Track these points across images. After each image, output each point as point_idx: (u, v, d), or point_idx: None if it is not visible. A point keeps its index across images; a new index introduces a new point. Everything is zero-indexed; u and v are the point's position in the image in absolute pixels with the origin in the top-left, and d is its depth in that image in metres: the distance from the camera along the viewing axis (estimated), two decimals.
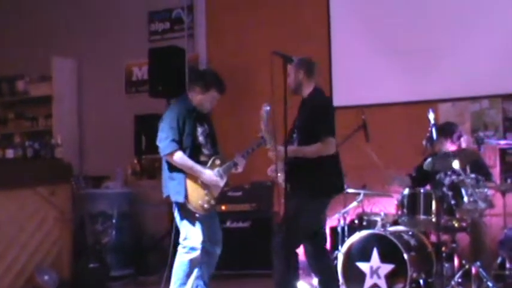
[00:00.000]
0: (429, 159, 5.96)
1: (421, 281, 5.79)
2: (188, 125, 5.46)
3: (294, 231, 5.05)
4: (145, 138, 8.45)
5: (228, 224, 7.37)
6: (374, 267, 5.88)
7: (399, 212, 6.07)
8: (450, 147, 6.27)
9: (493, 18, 7.28)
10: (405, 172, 6.62)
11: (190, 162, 5.40)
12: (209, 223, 5.55)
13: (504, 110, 7.32)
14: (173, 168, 5.43)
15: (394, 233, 5.94)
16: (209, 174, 5.45)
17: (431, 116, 5.75)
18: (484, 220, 6.11)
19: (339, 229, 6.50)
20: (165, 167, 5.53)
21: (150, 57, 8.50)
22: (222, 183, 5.54)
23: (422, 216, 5.90)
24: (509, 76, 7.16)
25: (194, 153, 5.45)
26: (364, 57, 7.86)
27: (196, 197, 5.39)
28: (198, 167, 5.42)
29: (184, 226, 5.45)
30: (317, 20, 8.20)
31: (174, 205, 5.51)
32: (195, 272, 5.48)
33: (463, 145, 6.41)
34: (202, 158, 5.51)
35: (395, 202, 6.19)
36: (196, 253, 5.40)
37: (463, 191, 5.65)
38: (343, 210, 6.53)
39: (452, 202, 5.72)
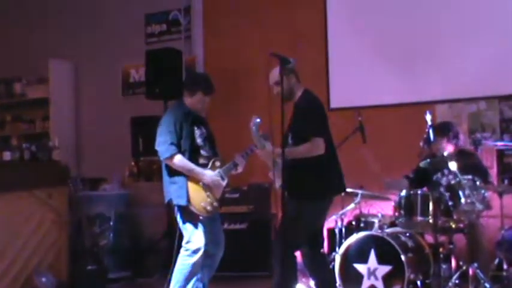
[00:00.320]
0: (426, 161, 5.97)
1: (419, 282, 5.79)
2: (186, 128, 5.46)
3: (293, 234, 5.05)
4: (142, 140, 8.44)
5: (226, 225, 7.34)
6: (371, 268, 5.88)
7: (396, 214, 6.06)
8: (447, 146, 6.26)
9: (490, 19, 7.30)
10: (402, 174, 6.62)
11: (190, 165, 5.39)
12: (212, 225, 5.54)
13: (501, 111, 7.32)
14: (173, 172, 5.42)
15: (391, 235, 5.94)
16: (210, 175, 5.44)
17: (428, 117, 5.75)
18: (481, 221, 6.12)
19: (337, 231, 6.49)
20: (165, 171, 5.51)
21: (147, 59, 8.49)
22: (223, 184, 5.54)
23: (419, 218, 5.90)
24: (506, 77, 7.18)
25: (193, 156, 5.44)
26: (361, 59, 7.87)
27: (199, 199, 5.38)
28: (198, 169, 5.42)
29: (187, 229, 5.43)
30: (314, 23, 8.22)
31: (176, 209, 5.49)
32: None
33: (461, 143, 6.40)
34: (202, 160, 5.50)
35: (393, 203, 6.19)
36: (199, 256, 5.38)
37: (460, 193, 5.65)
38: (340, 212, 6.53)
39: (450, 203, 5.71)
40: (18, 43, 9.98)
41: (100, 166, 8.95)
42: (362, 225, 6.46)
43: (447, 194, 5.75)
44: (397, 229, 6.18)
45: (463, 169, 5.74)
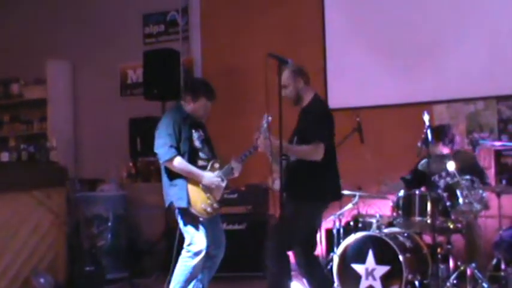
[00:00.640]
0: (424, 161, 5.98)
1: (417, 283, 5.79)
2: (184, 131, 5.45)
3: (288, 234, 5.06)
4: (140, 141, 8.43)
5: (224, 226, 7.32)
6: (369, 269, 5.88)
7: (394, 214, 6.07)
8: (443, 149, 6.29)
9: (487, 19, 7.31)
10: (400, 174, 6.63)
11: (190, 167, 5.39)
12: (212, 227, 5.54)
13: (499, 111, 7.33)
14: (173, 174, 5.41)
15: (389, 235, 5.95)
16: (210, 177, 5.44)
17: (426, 117, 5.75)
18: (479, 222, 6.13)
19: (335, 231, 6.50)
20: (164, 173, 5.50)
21: (144, 60, 8.49)
22: (223, 185, 5.53)
23: (417, 218, 5.90)
24: (504, 77, 7.19)
25: (192, 158, 5.44)
26: (359, 59, 7.88)
27: (199, 201, 5.38)
28: (198, 171, 5.42)
29: (188, 231, 5.42)
30: (312, 23, 8.22)
31: (176, 211, 5.48)
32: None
33: (456, 146, 6.42)
34: (201, 163, 5.50)
35: (391, 204, 6.19)
36: (200, 258, 5.37)
37: (458, 193, 5.66)
38: (338, 212, 6.53)
39: (448, 204, 5.73)
40: (16, 44, 9.97)
41: (98, 167, 8.95)
42: (360, 225, 6.47)
43: (445, 195, 5.76)
44: (395, 229, 6.19)
45: (460, 170, 5.75)
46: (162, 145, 5.40)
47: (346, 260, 6.01)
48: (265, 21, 8.47)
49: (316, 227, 5.40)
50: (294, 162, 5.09)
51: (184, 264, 5.41)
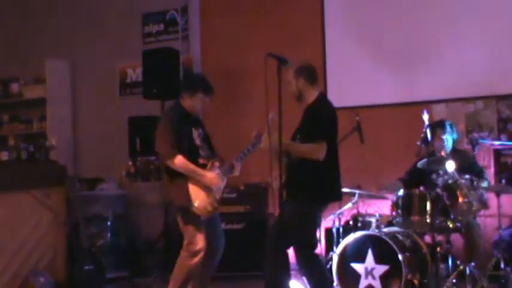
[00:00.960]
0: (424, 160, 5.98)
1: (416, 282, 5.79)
2: (184, 129, 5.45)
3: (288, 233, 5.06)
4: (139, 140, 8.41)
5: (223, 225, 7.32)
6: (369, 268, 5.89)
7: (394, 213, 6.07)
8: (446, 140, 6.28)
9: (486, 19, 7.31)
10: (399, 173, 6.63)
11: (191, 166, 5.36)
12: (212, 226, 5.53)
13: (498, 110, 7.33)
14: (173, 173, 5.39)
15: (388, 234, 5.95)
16: (210, 176, 5.42)
17: (425, 117, 5.76)
18: (478, 221, 6.14)
19: (334, 230, 6.50)
20: (165, 172, 5.48)
21: (144, 59, 8.49)
22: (223, 185, 5.53)
23: (417, 217, 5.90)
24: (503, 77, 7.20)
25: (192, 157, 5.42)
26: (359, 58, 7.88)
27: (199, 200, 5.36)
28: (199, 169, 5.39)
29: (188, 231, 5.40)
30: (311, 23, 8.23)
31: (176, 210, 5.49)
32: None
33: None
34: (201, 161, 5.49)
35: (390, 203, 6.19)
36: (198, 258, 5.37)
37: (458, 192, 5.67)
38: (338, 212, 6.53)
39: (447, 203, 5.73)
40: (15, 43, 9.97)
41: (97, 166, 8.96)
42: (359, 224, 6.47)
43: (444, 194, 5.76)
44: (395, 229, 6.19)
45: (459, 169, 5.76)
46: (163, 144, 5.39)
47: (345, 259, 6.01)
48: (265, 21, 8.47)
49: (316, 226, 5.39)
50: (295, 160, 5.08)
51: (183, 263, 5.40)
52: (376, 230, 6.08)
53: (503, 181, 6.52)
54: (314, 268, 5.30)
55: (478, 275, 5.61)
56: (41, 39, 9.78)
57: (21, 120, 9.87)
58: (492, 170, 7.13)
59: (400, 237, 6.02)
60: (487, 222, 6.33)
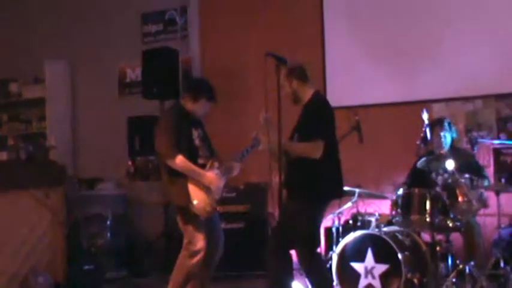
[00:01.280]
0: (423, 159, 5.98)
1: (416, 281, 5.79)
2: (184, 129, 5.44)
3: (290, 233, 5.05)
4: (139, 140, 8.42)
5: (223, 225, 7.31)
6: (368, 267, 5.88)
7: (393, 212, 6.06)
8: (445, 137, 6.28)
9: (486, 18, 7.31)
10: (398, 173, 6.64)
11: (191, 166, 5.36)
12: (211, 226, 5.53)
13: (498, 109, 7.33)
14: (173, 172, 5.39)
15: (388, 233, 5.94)
16: (210, 176, 5.42)
17: (425, 116, 5.76)
18: (478, 220, 6.13)
19: (334, 229, 6.50)
20: (164, 172, 5.48)
21: (143, 59, 8.49)
22: (222, 185, 5.53)
23: (416, 216, 5.89)
24: (502, 76, 7.19)
25: (192, 157, 5.42)
26: (358, 58, 7.88)
27: (199, 200, 5.35)
28: (199, 170, 5.39)
29: (188, 230, 5.40)
30: (311, 22, 8.22)
31: (176, 210, 5.48)
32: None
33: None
34: (200, 161, 5.49)
35: (390, 202, 6.19)
36: (199, 257, 5.37)
37: (458, 191, 5.66)
38: (337, 211, 6.53)
39: (447, 202, 5.72)
40: (14, 43, 9.97)
41: (97, 166, 8.96)
42: (359, 224, 6.46)
43: (444, 193, 5.76)
44: (394, 228, 6.18)
45: (458, 168, 5.75)
46: (164, 144, 5.39)
47: (345, 258, 6.00)
48: (264, 20, 8.47)
49: (318, 225, 5.38)
50: (294, 159, 5.08)
51: (183, 263, 5.40)
52: (376, 229, 6.07)
53: (503, 180, 6.50)
54: (316, 267, 5.30)
55: (477, 274, 5.61)
56: (40, 39, 9.78)
57: (21, 120, 9.87)
58: (491, 169, 7.12)
59: (399, 236, 6.01)
60: (487, 222, 6.32)
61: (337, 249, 6.05)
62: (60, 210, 7.08)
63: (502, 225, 6.15)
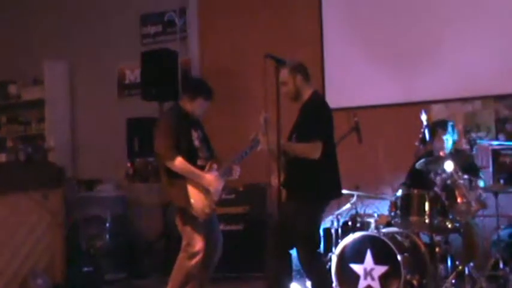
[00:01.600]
0: (422, 160, 5.97)
1: (415, 282, 5.79)
2: (183, 131, 5.45)
3: (289, 234, 5.05)
4: (138, 141, 8.42)
5: (222, 226, 7.30)
6: (368, 268, 5.87)
7: (392, 213, 6.06)
8: (447, 140, 6.28)
9: (485, 19, 7.31)
10: (397, 174, 6.63)
11: (190, 167, 5.37)
12: (209, 227, 5.53)
13: (496, 110, 7.34)
14: (173, 174, 5.39)
15: (387, 235, 5.94)
16: (209, 178, 5.42)
17: (423, 117, 5.76)
18: (477, 221, 6.13)
19: (333, 231, 6.49)
20: (164, 173, 5.48)
21: (142, 60, 8.49)
22: (221, 187, 5.53)
23: (415, 218, 5.89)
24: (501, 77, 7.20)
25: (191, 158, 5.42)
26: (357, 59, 7.88)
27: (197, 201, 5.36)
28: (198, 171, 5.40)
29: (186, 232, 5.41)
30: (309, 23, 8.22)
31: (175, 211, 5.49)
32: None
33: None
34: (200, 163, 5.49)
35: (389, 203, 6.18)
36: (198, 259, 5.37)
37: (457, 192, 5.66)
38: (336, 212, 6.53)
39: (446, 203, 5.72)
40: (13, 44, 9.96)
41: (96, 167, 8.95)
42: (358, 225, 6.45)
43: (443, 194, 5.75)
44: (393, 229, 6.18)
45: (457, 169, 5.75)
46: (163, 145, 5.39)
47: (344, 259, 5.99)
48: (263, 22, 8.47)
49: (318, 225, 5.38)
50: (293, 159, 5.08)
51: (182, 264, 5.41)
52: (375, 231, 6.07)
53: (502, 181, 6.49)
54: (317, 267, 5.30)
55: (477, 275, 5.60)
56: (39, 40, 9.77)
57: (20, 121, 9.87)
58: (490, 170, 7.12)
59: (399, 237, 6.01)
60: (486, 222, 6.31)
61: (337, 250, 6.05)
62: (59, 212, 7.08)
63: (501, 226, 6.16)
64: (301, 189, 5.08)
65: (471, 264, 5.65)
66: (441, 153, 6.04)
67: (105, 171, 8.72)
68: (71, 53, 9.57)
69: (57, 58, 9.57)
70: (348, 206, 6.57)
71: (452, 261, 5.86)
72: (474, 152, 6.28)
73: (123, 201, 8.41)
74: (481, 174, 6.16)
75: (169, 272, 5.51)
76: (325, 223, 6.62)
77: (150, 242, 8.15)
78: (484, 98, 7.36)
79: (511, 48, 7.17)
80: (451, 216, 5.75)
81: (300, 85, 5.22)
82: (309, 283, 5.53)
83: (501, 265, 5.87)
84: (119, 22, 9.39)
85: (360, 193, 6.51)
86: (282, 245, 5.07)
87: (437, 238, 5.96)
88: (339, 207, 6.53)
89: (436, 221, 5.76)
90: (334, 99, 7.63)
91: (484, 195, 5.76)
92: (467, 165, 6.06)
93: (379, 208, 6.65)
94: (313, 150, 4.99)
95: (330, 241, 6.53)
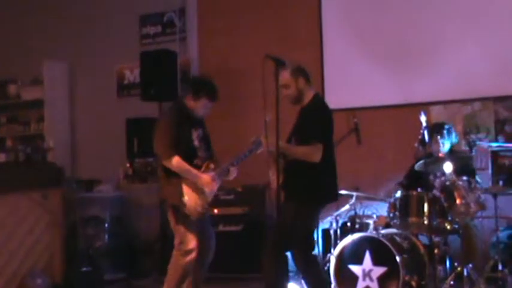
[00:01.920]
0: (421, 161, 5.98)
1: (414, 284, 5.79)
2: (183, 130, 5.45)
3: (286, 235, 5.06)
4: (137, 141, 8.42)
5: (221, 227, 7.35)
6: (366, 270, 5.88)
7: (391, 215, 6.06)
8: (443, 144, 6.28)
9: (484, 20, 7.31)
10: (396, 175, 6.63)
11: (187, 167, 5.38)
12: (202, 226, 5.54)
13: (496, 112, 7.33)
14: (169, 172, 5.41)
15: (386, 236, 5.94)
16: (205, 178, 5.43)
17: (423, 118, 5.76)
18: (476, 222, 6.13)
19: (332, 232, 6.49)
20: (161, 171, 5.50)
21: (141, 61, 8.48)
22: (216, 187, 5.54)
23: (414, 219, 5.89)
24: (501, 78, 7.20)
25: (189, 157, 5.43)
26: (356, 60, 7.88)
27: (191, 201, 5.38)
28: (194, 171, 5.41)
29: (179, 230, 5.43)
30: (309, 24, 8.22)
31: (169, 209, 5.49)
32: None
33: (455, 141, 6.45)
34: (197, 162, 5.50)
35: (388, 204, 6.18)
36: (191, 257, 5.38)
37: (455, 194, 5.66)
38: (335, 213, 6.53)
39: (445, 204, 5.72)
40: (13, 44, 9.95)
41: (95, 168, 8.94)
42: (357, 226, 6.45)
43: (442, 195, 5.75)
44: (392, 230, 6.18)
45: (456, 170, 5.75)
46: (162, 144, 5.40)
47: (343, 260, 5.99)
48: (263, 23, 8.47)
49: (314, 228, 5.40)
50: (292, 162, 5.08)
51: (176, 263, 5.43)
52: (374, 232, 6.07)
53: (501, 183, 6.49)
54: (312, 269, 5.31)
55: (475, 276, 5.60)
56: (38, 40, 9.76)
57: (19, 121, 9.86)
58: (489, 171, 7.12)
59: (397, 238, 6.01)
60: (485, 224, 6.32)
61: (335, 251, 6.05)
62: (58, 212, 7.08)
63: (500, 228, 6.16)
64: (300, 191, 5.09)
65: (470, 265, 5.66)
66: (440, 155, 6.05)
67: (105, 172, 8.72)
68: (71, 53, 9.57)
69: (57, 58, 9.57)
70: (347, 207, 6.57)
71: (451, 263, 5.86)
72: (473, 154, 6.28)
73: (122, 201, 8.40)
74: (477, 177, 6.16)
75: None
76: (324, 224, 6.63)
77: (149, 242, 8.15)
78: (483, 100, 7.36)
79: (510, 50, 7.17)
80: (450, 218, 5.76)
81: (302, 88, 5.22)
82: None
83: (500, 266, 5.88)
84: (119, 22, 9.39)
85: (359, 193, 6.50)
86: (278, 246, 5.07)
87: (436, 239, 5.95)
88: (338, 208, 6.53)
89: (435, 222, 5.76)
90: (334, 100, 7.61)
91: (483, 196, 5.76)
92: (463, 167, 6.05)
93: (378, 209, 6.66)
94: (314, 153, 5.00)
95: (329, 242, 6.53)
